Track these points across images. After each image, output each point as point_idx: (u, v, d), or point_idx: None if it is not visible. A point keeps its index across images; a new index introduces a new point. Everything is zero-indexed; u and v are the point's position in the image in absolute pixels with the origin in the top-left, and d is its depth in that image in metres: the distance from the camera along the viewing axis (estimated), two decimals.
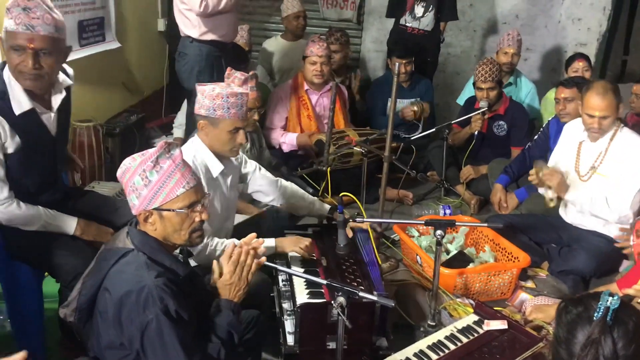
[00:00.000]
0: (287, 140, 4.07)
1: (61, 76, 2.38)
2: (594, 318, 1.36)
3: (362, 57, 6.07)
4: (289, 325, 2.34)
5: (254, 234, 2.04)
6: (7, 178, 2.24)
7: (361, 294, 2.06)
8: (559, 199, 3.11)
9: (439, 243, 2.48)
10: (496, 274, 2.87)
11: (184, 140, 3.91)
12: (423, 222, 2.57)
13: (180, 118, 4.29)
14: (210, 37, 3.54)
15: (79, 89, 3.83)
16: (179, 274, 1.79)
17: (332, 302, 2.04)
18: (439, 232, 2.47)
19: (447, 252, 3.14)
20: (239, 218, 3.15)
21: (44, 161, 2.34)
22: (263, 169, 2.92)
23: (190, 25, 3.55)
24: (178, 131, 4.36)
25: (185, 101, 4.06)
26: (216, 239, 2.48)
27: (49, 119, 2.32)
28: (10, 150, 2.21)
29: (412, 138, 4.03)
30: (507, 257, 3.04)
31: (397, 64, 3.28)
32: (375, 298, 2.05)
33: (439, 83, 5.83)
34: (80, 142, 3.54)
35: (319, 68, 4.02)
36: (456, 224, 2.60)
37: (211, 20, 3.54)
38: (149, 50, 4.99)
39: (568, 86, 3.60)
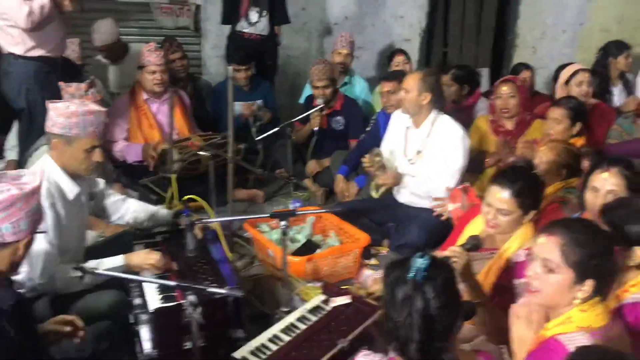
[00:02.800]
0: (131, 151, 4.02)
1: None
2: (407, 278, 1.58)
3: (204, 63, 6.12)
4: (145, 332, 2.37)
5: None
6: None
7: (209, 289, 2.17)
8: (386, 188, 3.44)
9: (284, 233, 2.65)
10: (340, 255, 3.11)
11: (18, 162, 3.74)
12: (268, 215, 2.72)
13: (12, 140, 4.06)
14: (37, 52, 3.42)
15: None
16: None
17: (183, 302, 2.13)
18: (283, 222, 2.64)
19: (297, 241, 3.33)
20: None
21: None
22: (110, 189, 2.91)
23: (13, 42, 3.39)
24: (12, 153, 4.12)
25: (17, 122, 3.86)
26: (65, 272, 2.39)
27: None
28: None
29: (257, 139, 4.18)
30: (351, 239, 3.30)
31: (230, 69, 3.38)
32: (223, 291, 2.17)
33: (282, 84, 6.05)
34: None
35: (158, 77, 4.02)
36: (296, 213, 2.79)
37: (37, 35, 3.41)
38: None
39: (389, 80, 3.97)
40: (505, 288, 2.29)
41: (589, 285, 1.68)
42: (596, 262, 1.69)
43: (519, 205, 2.32)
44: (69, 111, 2.40)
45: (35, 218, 1.87)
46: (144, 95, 4.08)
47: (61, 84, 2.94)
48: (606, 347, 1.56)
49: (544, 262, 1.72)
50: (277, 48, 5.25)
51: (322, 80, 4.29)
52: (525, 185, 2.34)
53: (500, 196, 2.33)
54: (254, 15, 4.95)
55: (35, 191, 1.86)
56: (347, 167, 4.12)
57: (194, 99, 4.63)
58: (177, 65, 4.60)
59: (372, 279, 2.97)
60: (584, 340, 1.61)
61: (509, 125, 3.85)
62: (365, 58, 6.39)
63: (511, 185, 2.33)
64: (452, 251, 2.21)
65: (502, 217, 2.34)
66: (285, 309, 2.75)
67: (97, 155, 2.50)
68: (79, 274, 2.25)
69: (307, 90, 4.76)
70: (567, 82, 4.08)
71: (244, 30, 4.99)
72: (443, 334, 1.58)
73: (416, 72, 3.36)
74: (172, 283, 2.19)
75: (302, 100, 4.93)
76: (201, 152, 3.49)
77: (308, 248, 3.19)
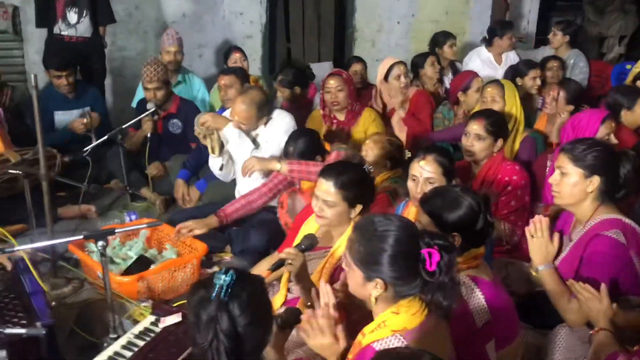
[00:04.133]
0: None
1: None
2: (211, 298, 1.46)
3: (28, 70, 5.58)
4: None
5: None
6: None
7: (7, 330, 1.91)
8: None
9: (102, 254, 2.42)
10: (177, 269, 2.93)
11: None
12: (82, 236, 2.47)
13: None
14: None
15: None
16: None
17: None
18: (100, 242, 2.41)
19: (126, 259, 3.09)
20: None
21: None
22: None
23: None
24: None
25: None
26: None
27: None
28: None
29: (86, 150, 3.85)
30: (188, 250, 3.13)
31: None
32: (21, 330, 1.92)
33: (118, 88, 5.69)
34: None
35: None
36: (115, 231, 2.57)
37: None
38: None
39: (226, 73, 3.91)
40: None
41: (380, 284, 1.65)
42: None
43: (344, 198, 2.30)
44: None
45: None
46: None
47: None
48: (403, 348, 1.54)
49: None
50: (104, 50, 4.89)
51: (153, 82, 4.05)
52: (351, 178, 2.33)
53: (326, 188, 2.31)
54: (72, 17, 4.57)
55: None
56: (187, 170, 3.94)
57: (9, 111, 4.17)
58: None
59: None
60: (398, 344, 1.59)
61: (340, 116, 3.89)
62: (207, 56, 6.21)
63: (337, 177, 2.32)
64: (287, 253, 2.14)
65: (328, 208, 2.32)
66: (113, 336, 2.53)
67: None
68: None
69: (140, 93, 4.48)
70: (385, 77, 4.21)
71: (63, 33, 4.60)
72: (253, 353, 1.48)
73: (244, 98, 3.34)
74: None
75: (134, 104, 4.64)
76: (11, 171, 3.12)
77: (141, 264, 2.97)
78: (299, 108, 4.30)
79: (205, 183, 3.84)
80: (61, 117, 4.32)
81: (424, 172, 2.45)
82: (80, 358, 2.36)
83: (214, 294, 1.45)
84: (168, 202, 4.03)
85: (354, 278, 1.70)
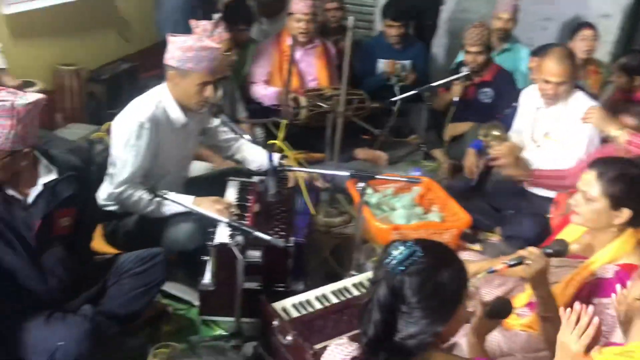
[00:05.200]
0: (268, 93, 4.11)
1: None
2: (384, 263, 1.39)
3: (375, 19, 5.99)
4: (209, 264, 2.44)
5: None
6: None
7: (256, 233, 2.15)
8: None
9: (361, 194, 2.51)
10: (435, 232, 2.88)
11: None
12: (348, 173, 2.59)
13: None
14: None
15: (66, 33, 4.03)
16: None
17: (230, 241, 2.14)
18: (360, 184, 2.51)
19: (393, 209, 3.15)
20: (200, 166, 3.28)
21: None
22: (224, 127, 2.95)
23: None
24: None
25: None
26: (139, 192, 2.52)
27: None
28: None
29: (392, 100, 4.00)
30: (454, 218, 3.04)
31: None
32: (267, 237, 2.13)
33: (451, 49, 5.72)
34: (61, 84, 3.71)
35: (303, 26, 4.02)
36: (376, 177, 2.61)
37: None
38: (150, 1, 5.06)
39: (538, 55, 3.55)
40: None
41: None
42: None
43: (606, 193, 1.93)
44: (185, 45, 2.47)
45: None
46: (289, 41, 4.12)
47: (191, 21, 3.05)
48: None
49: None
50: (439, 8, 4.91)
51: (475, 45, 3.94)
52: (622, 175, 1.95)
53: (588, 178, 1.98)
54: None
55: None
56: (482, 141, 3.77)
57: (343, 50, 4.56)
58: (330, 14, 4.55)
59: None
60: None
61: None
62: (551, 30, 5.74)
63: (604, 168, 1.98)
64: (528, 252, 1.91)
65: (584, 203, 1.99)
66: (354, 273, 2.64)
67: (209, 91, 2.54)
68: (149, 195, 2.38)
69: (461, 55, 4.41)
70: None
71: None
72: (409, 338, 1.35)
73: (566, 61, 2.90)
74: (224, 219, 2.20)
75: (454, 65, 4.60)
76: (320, 103, 3.43)
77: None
78: (629, 102, 3.67)
79: None
80: (383, 65, 4.55)
81: None
82: (324, 282, 2.53)
83: (386, 261, 1.37)
84: (456, 167, 3.95)
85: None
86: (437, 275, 1.36)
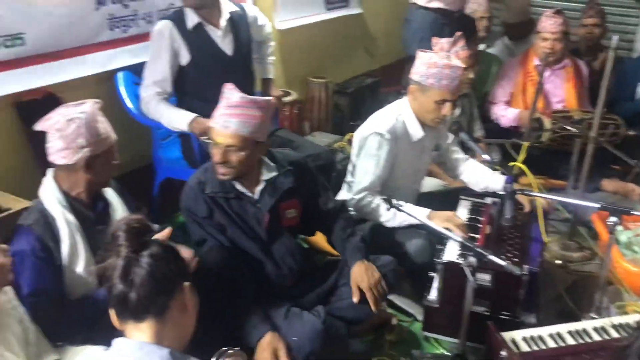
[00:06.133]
0: (507, 115, 3.96)
1: (225, 1, 2.89)
2: None
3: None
4: (436, 281, 2.42)
5: None
6: (184, 89, 2.85)
7: (490, 256, 2.07)
8: None
9: (611, 231, 2.27)
10: None
11: None
12: (597, 205, 2.35)
13: None
14: (435, 4, 3.63)
15: (320, 48, 4.35)
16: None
17: (463, 260, 2.10)
18: (613, 218, 2.26)
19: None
20: (431, 182, 3.29)
21: (218, 80, 2.74)
22: (455, 146, 2.98)
23: None
24: None
25: None
26: (377, 199, 2.61)
27: (218, 36, 2.83)
28: (183, 62, 2.77)
29: None
30: None
31: None
32: (502, 262, 2.03)
33: None
34: (312, 95, 4.03)
35: (549, 45, 3.79)
36: (632, 212, 2.32)
37: None
38: (396, 19, 5.22)
39: None
40: None
41: None
42: None
43: None
44: (430, 61, 2.52)
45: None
46: (535, 61, 3.92)
47: (433, 39, 3.07)
48: None
49: None
50: None
51: None
52: None
53: None
54: None
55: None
56: None
57: (597, 71, 4.19)
58: (586, 31, 4.21)
59: None
60: None
61: None
62: None
63: None
64: None
65: None
66: (594, 316, 2.39)
67: (447, 109, 2.56)
68: (386, 204, 2.44)
69: None
70: None
71: None
72: None
73: None
74: (457, 237, 2.16)
75: None
76: (567, 127, 3.19)
77: None
78: None
79: None
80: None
81: None
82: (557, 320, 2.34)
83: None
84: None
85: None
86: None
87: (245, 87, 2.15)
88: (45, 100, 2.58)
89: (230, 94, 2.07)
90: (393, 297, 2.57)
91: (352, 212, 2.70)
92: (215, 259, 2.11)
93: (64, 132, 1.80)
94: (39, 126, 1.84)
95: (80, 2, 2.72)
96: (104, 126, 1.91)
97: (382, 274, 2.26)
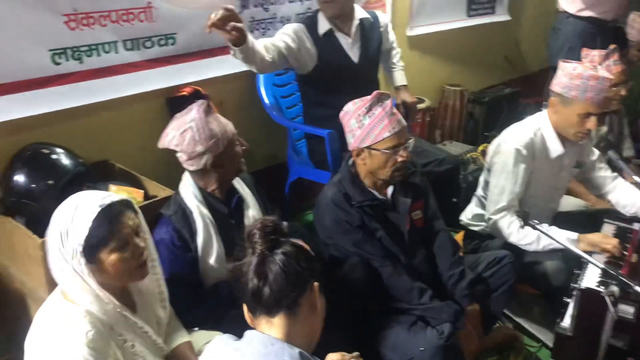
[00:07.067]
0: None
1: (357, 8, 2.89)
2: None
3: None
4: (571, 307, 2.26)
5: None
6: (308, 95, 2.89)
7: (636, 287, 1.89)
8: None
9: None
10: None
11: None
12: None
13: None
14: (587, 13, 3.41)
15: (455, 55, 4.24)
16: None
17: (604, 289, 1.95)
18: None
19: None
20: (570, 201, 3.08)
21: (342, 87, 2.64)
22: (603, 163, 2.77)
23: (569, 0, 3.47)
24: None
25: None
26: (517, 222, 2.45)
27: (347, 43, 2.81)
28: (310, 67, 2.78)
29: None
30: None
31: None
32: None
33: None
34: (445, 103, 3.93)
35: None
36: None
37: None
38: (542, 27, 4.97)
39: None
40: None
41: None
42: None
43: None
44: (574, 72, 2.36)
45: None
46: None
47: (583, 50, 2.86)
48: None
49: None
50: None
51: None
52: None
53: None
54: None
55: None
56: None
57: None
58: None
59: None
60: None
61: None
62: None
63: None
64: None
65: None
66: None
67: (591, 123, 2.38)
68: (521, 222, 2.32)
69: None
70: None
71: None
72: None
73: None
74: (599, 264, 2.00)
75: None
76: None
77: None
78: None
79: None
80: None
81: None
82: None
83: None
84: None
85: None
86: None
87: (368, 94, 2.14)
88: (192, 96, 2.75)
89: (379, 105, 2.07)
90: (522, 321, 2.44)
91: (478, 228, 2.62)
92: (358, 275, 2.11)
93: (181, 145, 1.90)
94: (160, 144, 1.96)
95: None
96: (217, 124, 1.95)
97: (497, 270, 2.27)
